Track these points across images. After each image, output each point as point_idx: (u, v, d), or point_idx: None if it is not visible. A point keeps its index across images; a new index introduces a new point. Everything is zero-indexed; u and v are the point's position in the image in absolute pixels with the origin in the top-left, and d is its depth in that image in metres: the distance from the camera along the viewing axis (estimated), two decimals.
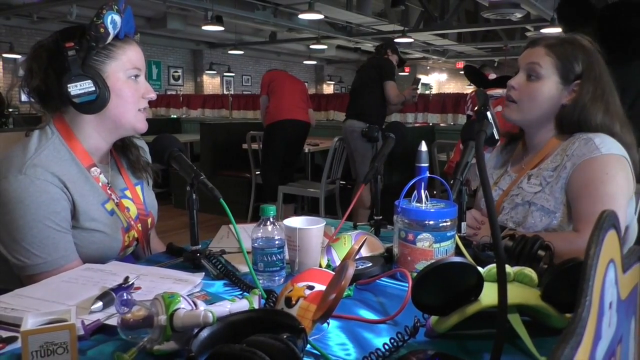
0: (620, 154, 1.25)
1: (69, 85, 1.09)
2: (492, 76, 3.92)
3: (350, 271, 0.75)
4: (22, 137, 1.18)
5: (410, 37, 9.18)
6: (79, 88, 1.09)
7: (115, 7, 1.10)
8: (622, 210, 1.22)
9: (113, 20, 1.10)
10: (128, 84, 1.18)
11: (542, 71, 1.31)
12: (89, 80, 1.10)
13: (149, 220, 1.35)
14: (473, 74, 3.67)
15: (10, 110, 8.93)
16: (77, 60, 1.09)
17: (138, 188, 1.34)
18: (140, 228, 1.30)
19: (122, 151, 1.34)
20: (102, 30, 1.09)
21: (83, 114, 1.16)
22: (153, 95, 1.24)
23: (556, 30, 7.47)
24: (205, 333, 0.70)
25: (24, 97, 10.26)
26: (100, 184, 1.20)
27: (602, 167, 1.22)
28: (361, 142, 4.05)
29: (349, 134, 4.16)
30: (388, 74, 4.15)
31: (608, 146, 1.24)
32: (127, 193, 1.30)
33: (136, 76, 1.20)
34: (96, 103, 1.12)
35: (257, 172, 4.91)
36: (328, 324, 0.83)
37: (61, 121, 1.19)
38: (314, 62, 16.64)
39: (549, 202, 1.28)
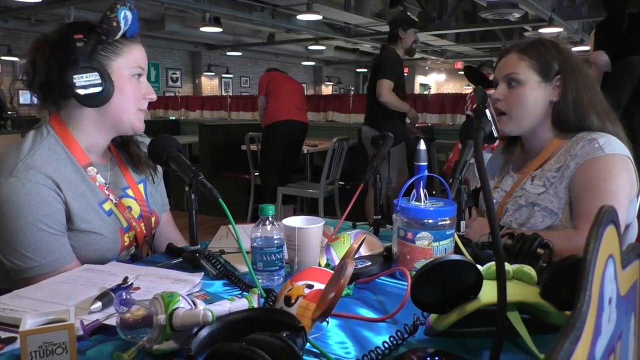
0: (624, 154, 1.25)
1: (74, 77, 1.09)
2: (492, 76, 3.89)
3: (350, 270, 0.75)
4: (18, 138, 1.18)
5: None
6: (85, 80, 1.09)
7: (128, 3, 1.11)
8: (623, 208, 1.22)
9: (125, 16, 1.11)
10: (131, 82, 1.19)
11: (521, 76, 1.31)
12: (96, 73, 1.10)
13: (153, 219, 1.34)
14: (473, 74, 3.67)
15: (10, 112, 8.92)
16: (84, 52, 1.10)
17: (141, 186, 1.33)
18: (143, 227, 1.29)
19: (122, 147, 1.33)
20: (114, 24, 1.10)
21: (82, 109, 1.15)
22: (154, 96, 1.24)
23: (554, 30, 7.49)
24: (204, 332, 0.70)
25: (22, 100, 10.27)
26: (97, 183, 1.20)
27: (605, 167, 1.22)
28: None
29: (364, 141, 4.02)
30: (382, 71, 3.78)
31: (612, 146, 1.24)
32: (129, 192, 1.29)
33: (139, 75, 1.21)
34: (100, 96, 1.12)
35: (256, 174, 4.91)
36: (327, 322, 0.83)
37: (57, 119, 1.18)
38: (312, 63, 16.64)
39: (552, 204, 1.27)
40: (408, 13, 4.26)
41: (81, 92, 1.10)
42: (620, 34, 2.43)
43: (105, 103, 1.14)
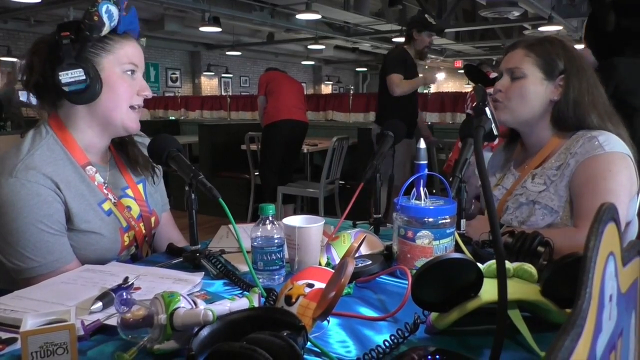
0: (624, 152, 1.25)
1: (60, 73, 1.08)
2: (493, 75, 3.87)
3: (350, 269, 0.75)
4: (18, 139, 1.18)
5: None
6: (70, 76, 1.09)
7: None
8: (623, 206, 1.22)
9: (108, 10, 1.10)
10: (123, 78, 1.18)
11: (524, 71, 1.32)
12: (80, 69, 1.09)
13: (153, 219, 1.34)
14: (473, 73, 3.66)
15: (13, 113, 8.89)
16: (71, 49, 1.09)
17: (140, 186, 1.33)
18: (143, 227, 1.29)
19: (120, 148, 1.33)
20: (95, 18, 1.09)
21: (75, 108, 1.16)
22: (148, 93, 1.23)
23: (554, 28, 7.48)
24: (205, 332, 0.70)
25: (22, 99, 10.25)
26: (96, 183, 1.20)
27: (605, 165, 1.22)
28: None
29: (373, 138, 4.07)
30: (388, 67, 3.85)
31: (612, 144, 1.24)
32: (129, 192, 1.29)
33: (132, 72, 1.20)
34: (86, 93, 1.11)
35: (256, 173, 4.91)
36: (328, 321, 0.83)
37: (56, 119, 1.18)
38: (311, 63, 16.64)
39: (553, 202, 1.27)
40: (426, 15, 4.22)
41: (66, 88, 1.09)
42: (605, 32, 2.37)
43: (93, 99, 1.13)
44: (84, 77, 1.10)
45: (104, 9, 1.09)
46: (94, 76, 1.11)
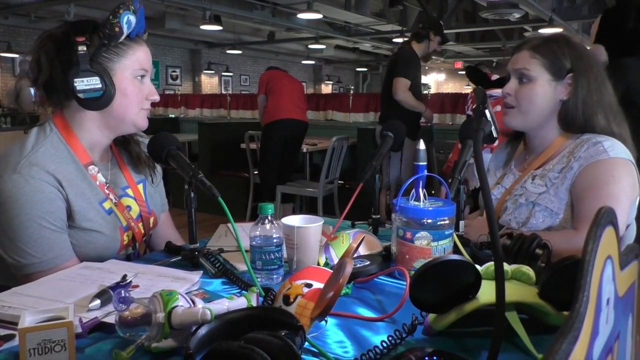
0: (627, 158, 1.25)
1: (75, 80, 1.09)
2: (494, 77, 3.83)
3: (348, 269, 0.75)
4: (21, 135, 1.18)
5: (408, 37, 9.19)
6: (86, 84, 1.09)
7: (132, 7, 1.10)
8: (623, 212, 1.22)
9: (129, 21, 1.11)
10: (134, 83, 1.18)
11: (532, 73, 1.31)
12: (96, 77, 1.10)
13: (151, 219, 1.34)
14: (475, 74, 3.63)
15: (6, 109, 8.90)
16: (86, 55, 1.10)
17: (140, 186, 1.33)
18: (141, 227, 1.29)
19: (123, 146, 1.33)
20: (117, 29, 1.09)
21: (84, 110, 1.16)
22: (156, 97, 1.24)
23: (554, 30, 7.48)
24: (203, 330, 0.70)
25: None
26: (97, 182, 1.20)
27: (608, 170, 1.22)
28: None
29: (376, 137, 4.00)
30: (397, 69, 3.77)
31: (616, 150, 1.24)
32: (129, 191, 1.29)
33: (142, 77, 1.20)
34: (101, 100, 1.12)
35: (255, 172, 4.91)
36: (326, 321, 0.83)
37: (61, 117, 1.19)
38: (312, 62, 16.63)
39: (553, 204, 1.27)
40: (441, 22, 4.23)
41: (81, 95, 1.10)
42: (624, 29, 2.32)
43: (106, 106, 1.14)
44: (99, 85, 1.10)
45: (125, 19, 1.10)
46: (109, 83, 1.12)
